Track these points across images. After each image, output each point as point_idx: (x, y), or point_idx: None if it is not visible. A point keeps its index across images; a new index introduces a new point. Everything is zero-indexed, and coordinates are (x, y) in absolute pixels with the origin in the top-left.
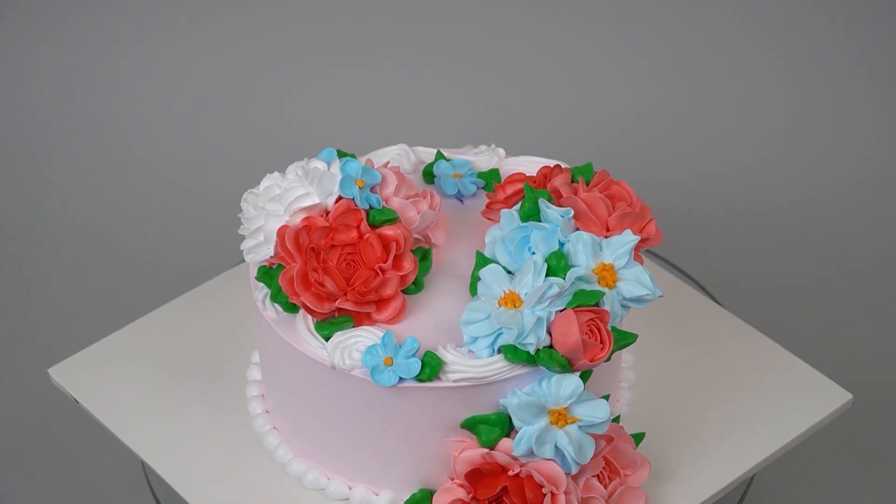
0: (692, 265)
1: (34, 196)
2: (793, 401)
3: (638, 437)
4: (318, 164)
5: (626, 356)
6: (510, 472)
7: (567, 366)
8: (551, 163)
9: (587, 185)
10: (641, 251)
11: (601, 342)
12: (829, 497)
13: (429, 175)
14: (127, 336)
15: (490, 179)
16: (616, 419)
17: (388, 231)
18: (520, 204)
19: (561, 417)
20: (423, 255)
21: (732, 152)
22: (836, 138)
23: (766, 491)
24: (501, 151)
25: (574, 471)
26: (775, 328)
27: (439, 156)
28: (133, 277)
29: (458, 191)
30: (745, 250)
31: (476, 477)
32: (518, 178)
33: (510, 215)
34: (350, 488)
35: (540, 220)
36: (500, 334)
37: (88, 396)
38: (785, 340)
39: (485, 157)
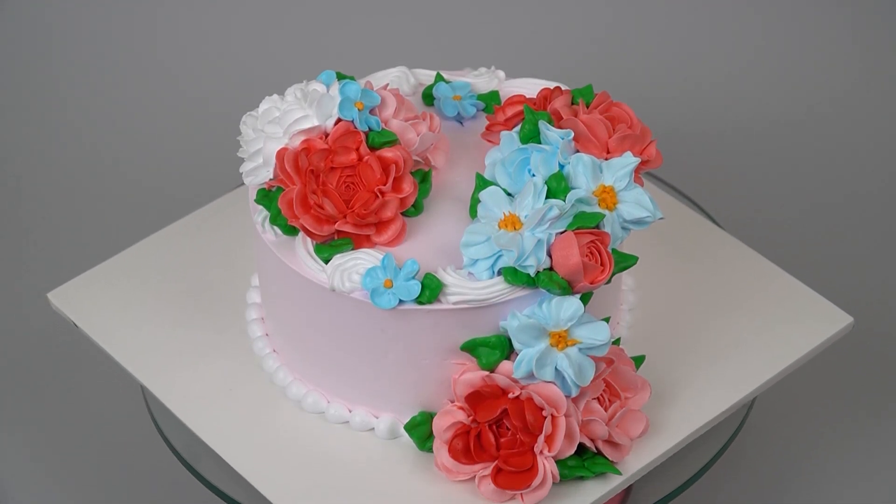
0: (693, 188)
1: (34, 120)
2: (793, 323)
3: (638, 360)
4: (316, 87)
5: (626, 279)
6: (510, 395)
7: (567, 288)
8: (551, 85)
9: (587, 107)
10: (642, 173)
11: (601, 264)
12: (829, 421)
13: (428, 97)
14: (126, 260)
15: (490, 101)
16: (616, 342)
17: (387, 153)
18: (520, 126)
19: (561, 340)
20: (423, 178)
21: (735, 74)
22: (831, 58)
23: (766, 414)
24: (501, 74)
25: (574, 393)
26: (777, 251)
27: (439, 78)
28: (132, 201)
29: (458, 113)
30: (745, 173)
31: (476, 399)
32: (518, 100)
33: (510, 137)
34: (350, 411)
35: (540, 143)
36: (500, 256)
37: (87, 321)
38: (786, 263)
39: (484, 80)
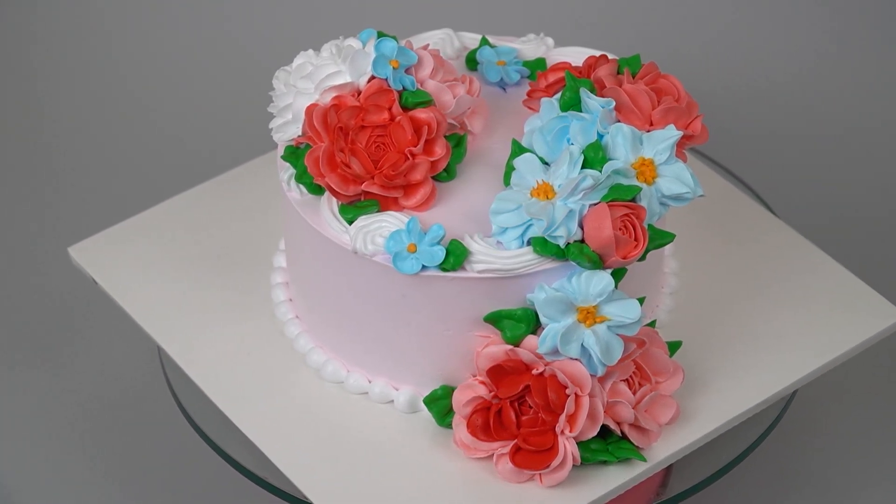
0: (750, 172)
1: (68, 73)
2: (842, 316)
3: (674, 346)
4: (352, 43)
5: (670, 262)
6: (534, 371)
7: (598, 262)
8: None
9: (633, 77)
10: (686, 149)
11: (635, 239)
12: (873, 420)
13: (472, 62)
14: (151, 219)
15: (535, 69)
16: (651, 324)
17: (420, 114)
18: (561, 93)
19: (589, 316)
20: (458, 142)
21: (797, 57)
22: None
23: (807, 409)
24: (550, 41)
25: (600, 373)
26: (829, 241)
27: (484, 42)
28: (163, 159)
29: (501, 79)
30: (804, 157)
31: (498, 374)
32: (562, 66)
33: (550, 104)
34: (370, 382)
35: (581, 111)
36: (530, 226)
37: (107, 278)
38: (838, 254)
39: (532, 46)
